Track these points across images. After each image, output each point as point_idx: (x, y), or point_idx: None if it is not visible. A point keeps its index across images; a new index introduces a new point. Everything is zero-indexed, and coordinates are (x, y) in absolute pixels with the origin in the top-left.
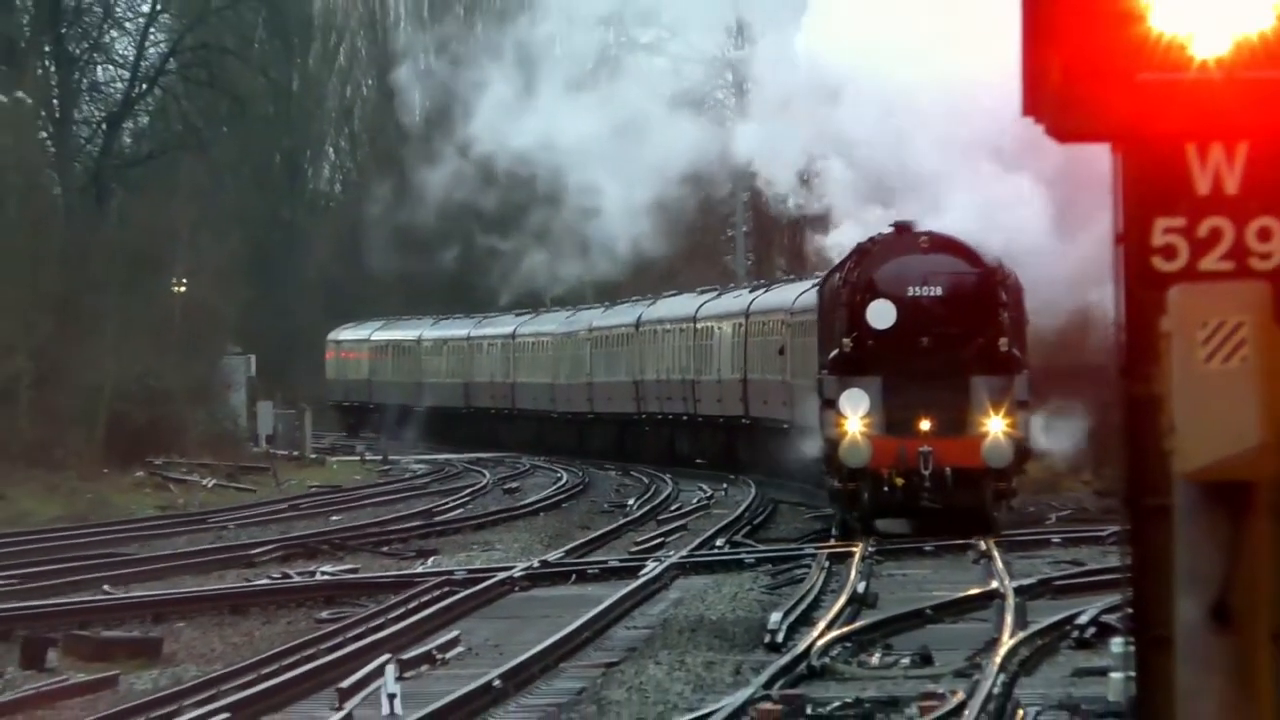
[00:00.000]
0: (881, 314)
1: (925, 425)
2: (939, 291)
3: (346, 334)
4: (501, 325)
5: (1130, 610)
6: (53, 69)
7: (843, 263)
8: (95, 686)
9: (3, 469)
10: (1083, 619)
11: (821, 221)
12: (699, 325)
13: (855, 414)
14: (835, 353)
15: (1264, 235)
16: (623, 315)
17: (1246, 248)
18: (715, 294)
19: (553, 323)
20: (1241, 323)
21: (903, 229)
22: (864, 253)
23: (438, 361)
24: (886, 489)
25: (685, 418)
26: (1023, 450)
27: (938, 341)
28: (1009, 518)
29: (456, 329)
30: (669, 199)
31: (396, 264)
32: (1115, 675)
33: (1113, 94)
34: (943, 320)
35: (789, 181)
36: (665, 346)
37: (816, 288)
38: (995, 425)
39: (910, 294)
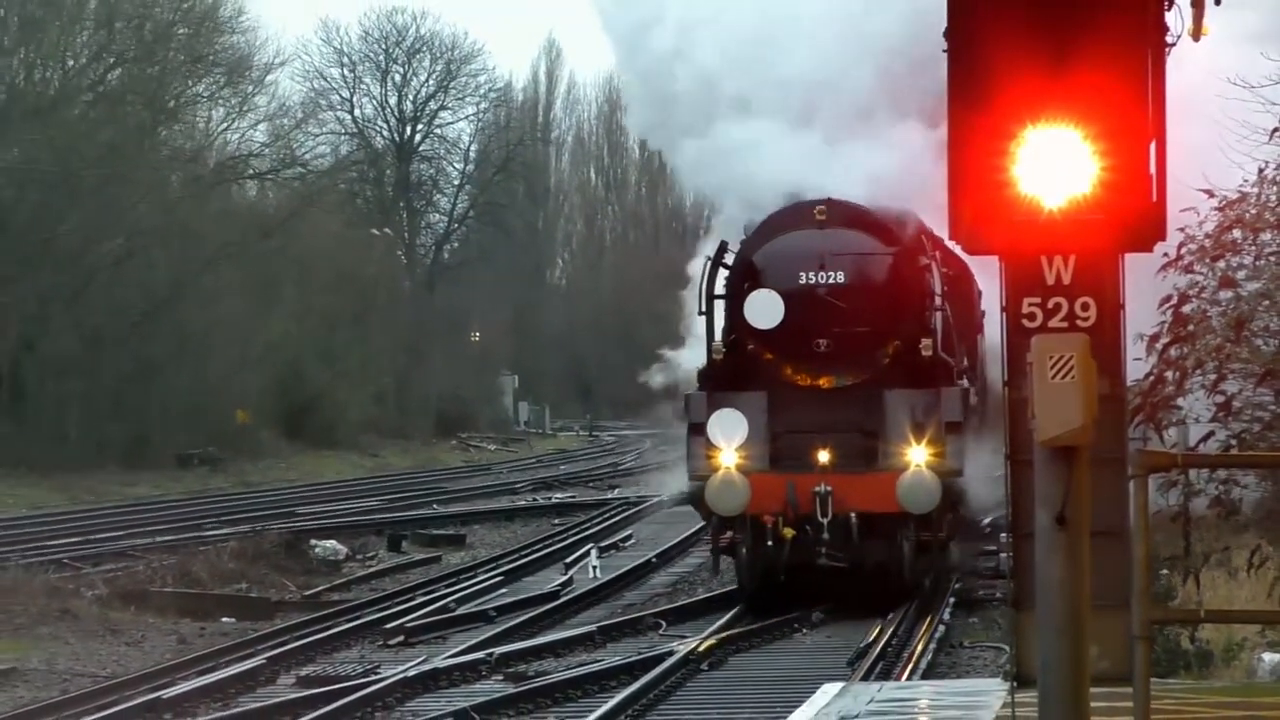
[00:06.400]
0: (764, 309)
1: (823, 457)
2: (841, 278)
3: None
4: None
5: (1010, 517)
6: (405, 216)
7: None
8: (428, 562)
9: (378, 439)
10: (984, 522)
11: None
12: None
13: (729, 443)
14: (704, 362)
15: (1085, 307)
16: None
17: (1075, 314)
18: None
19: None
20: (1072, 356)
21: (792, 196)
22: (749, 232)
23: None
24: (771, 543)
25: None
26: (953, 488)
27: (840, 344)
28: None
29: None
30: None
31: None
32: (1002, 555)
33: (1000, 228)
34: (846, 316)
35: None
36: None
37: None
38: (916, 456)
39: (802, 282)
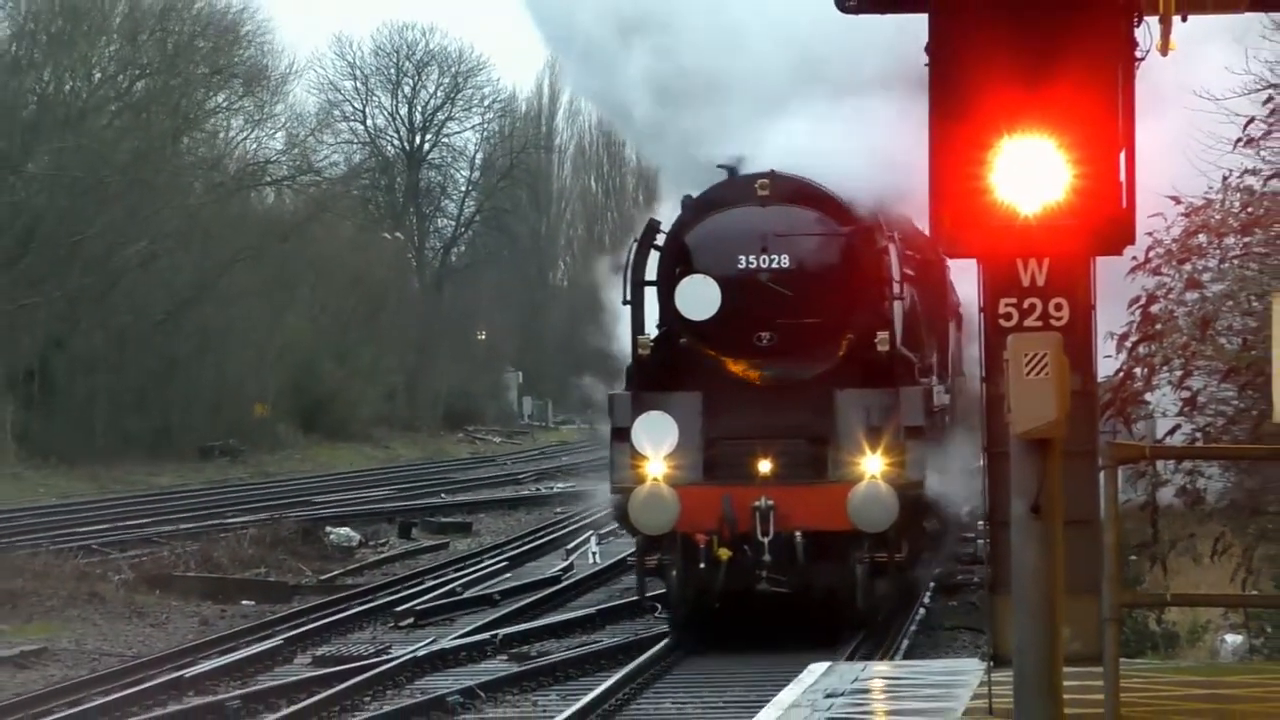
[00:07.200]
0: (697, 297)
1: (765, 467)
2: (786, 262)
3: None
4: None
5: (988, 506)
6: (414, 220)
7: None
8: (437, 548)
9: (389, 432)
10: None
11: None
12: None
13: (657, 451)
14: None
15: (1058, 308)
16: None
17: (1049, 314)
18: None
19: None
20: (1045, 353)
21: (731, 170)
22: (684, 209)
23: None
24: (704, 566)
25: None
26: (913, 502)
27: (785, 338)
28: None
29: None
30: None
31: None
32: (980, 541)
33: (978, 233)
34: (793, 305)
35: None
36: None
37: None
38: (871, 466)
39: (742, 266)
